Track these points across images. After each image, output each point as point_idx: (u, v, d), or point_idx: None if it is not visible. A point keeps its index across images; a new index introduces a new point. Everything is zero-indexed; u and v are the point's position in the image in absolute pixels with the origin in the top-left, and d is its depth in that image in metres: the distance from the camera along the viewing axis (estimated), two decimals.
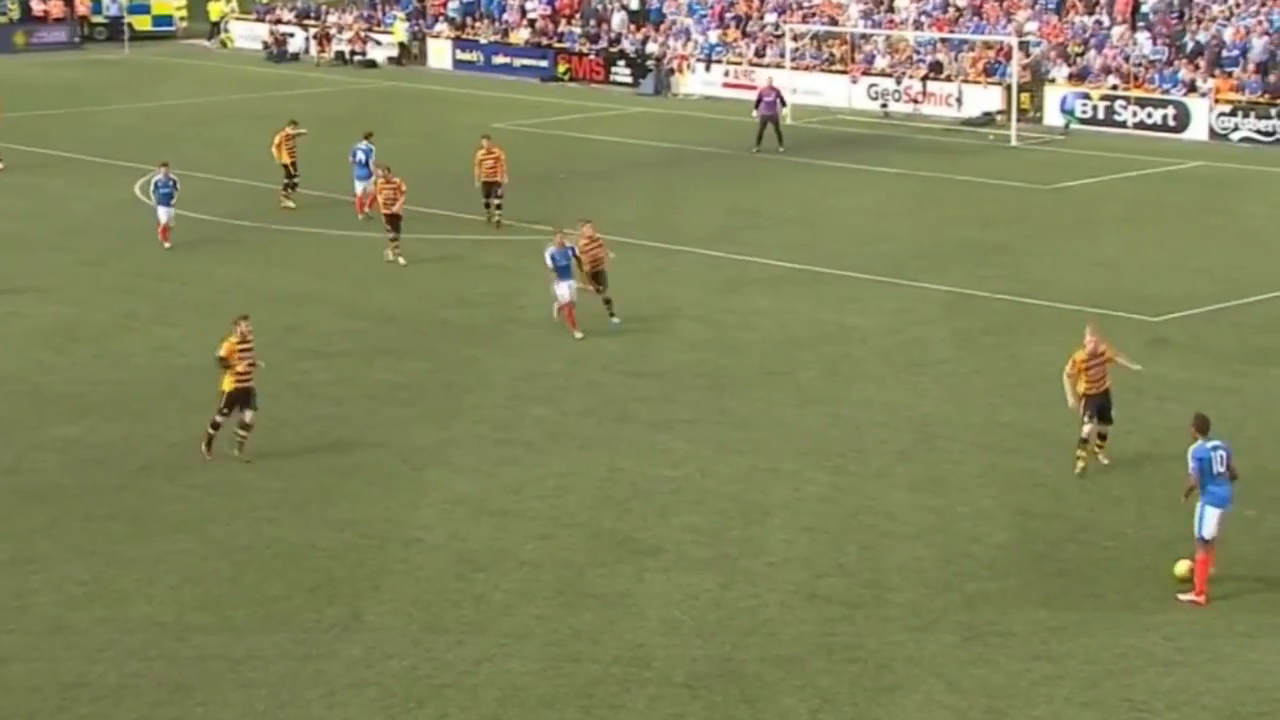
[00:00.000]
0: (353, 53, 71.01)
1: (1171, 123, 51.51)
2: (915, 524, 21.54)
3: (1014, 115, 51.77)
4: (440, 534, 21.46)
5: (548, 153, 49.87)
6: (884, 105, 56.74)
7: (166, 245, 36.74)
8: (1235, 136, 50.33)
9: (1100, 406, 22.92)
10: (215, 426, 23.82)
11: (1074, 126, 52.69)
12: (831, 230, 39.27)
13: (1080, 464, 22.89)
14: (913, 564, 20.33)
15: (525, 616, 19.10)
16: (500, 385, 27.69)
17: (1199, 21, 54.08)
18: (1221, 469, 19.42)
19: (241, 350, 23.60)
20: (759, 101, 50.20)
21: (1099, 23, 55.52)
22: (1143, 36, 54.03)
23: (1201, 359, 28.47)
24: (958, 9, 58.78)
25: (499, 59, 67.63)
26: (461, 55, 68.92)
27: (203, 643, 18.58)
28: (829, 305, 32.35)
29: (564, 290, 29.75)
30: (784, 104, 50.39)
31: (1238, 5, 54.05)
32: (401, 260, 35.16)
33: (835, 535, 21.21)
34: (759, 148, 48.85)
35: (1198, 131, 50.93)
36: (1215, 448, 19.48)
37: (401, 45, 70.30)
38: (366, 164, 39.56)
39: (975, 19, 58.06)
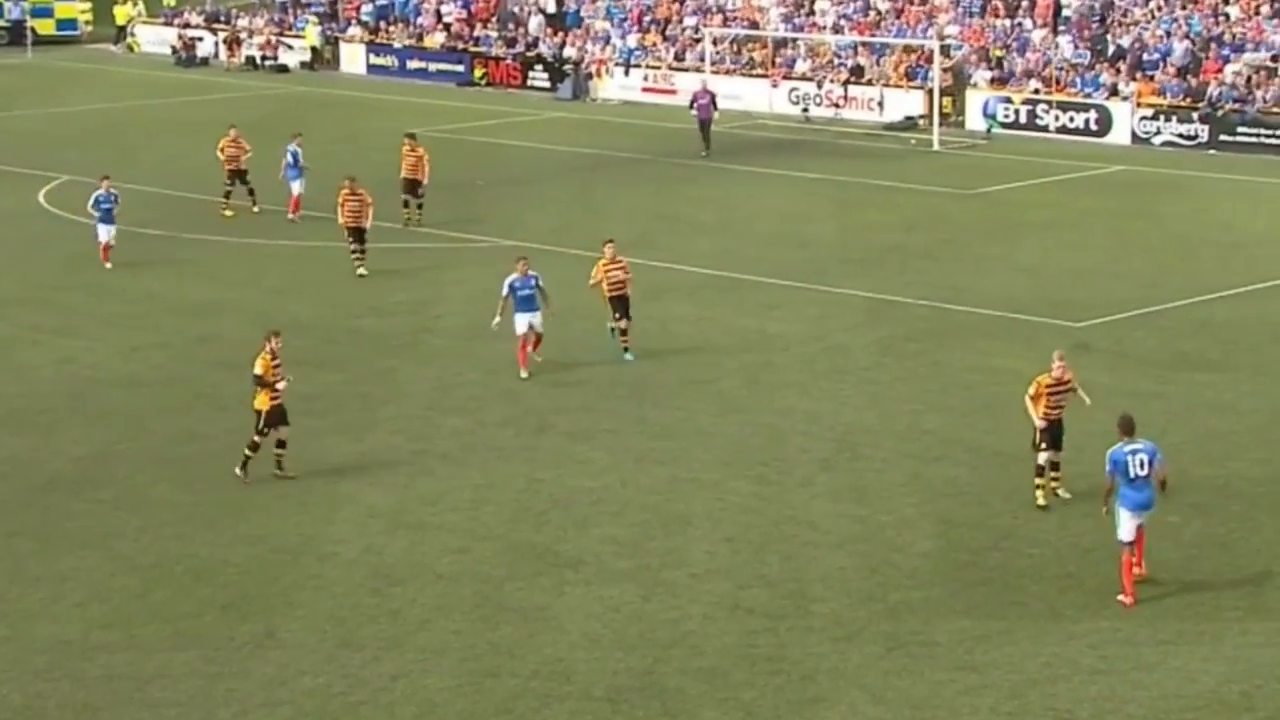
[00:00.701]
0: (264, 57, 70.59)
1: (1093, 127, 52.05)
2: (838, 533, 21.65)
3: (936, 120, 52.15)
4: (355, 548, 21.36)
5: (464, 159, 49.74)
6: (805, 109, 57.01)
7: (108, 266, 35.53)
8: (1157, 140, 50.92)
9: (1054, 435, 22.37)
10: (254, 448, 23.50)
11: (996, 131, 53.13)
12: (752, 236, 39.41)
13: (1040, 495, 22.20)
14: (836, 574, 20.42)
15: (442, 631, 19.05)
16: (416, 396, 27.60)
17: (1120, 25, 54.70)
18: (1140, 472, 19.53)
19: (274, 367, 23.39)
20: (693, 103, 50.42)
21: (1020, 26, 56.03)
22: (1064, 40, 54.58)
23: (1125, 364, 28.78)
24: (879, 12, 59.17)
25: (414, 63, 67.43)
26: (375, 60, 68.66)
27: (110, 662, 18.40)
28: (750, 312, 32.46)
29: (521, 324, 27.85)
30: (716, 107, 50.65)
31: (1159, 9, 54.71)
32: (362, 271, 34.77)
33: (757, 546, 21.28)
34: (708, 150, 49.11)
35: (1120, 136, 51.49)
36: (1134, 451, 19.60)
37: (314, 50, 69.94)
38: (296, 164, 40.05)
39: (896, 22, 58.47)
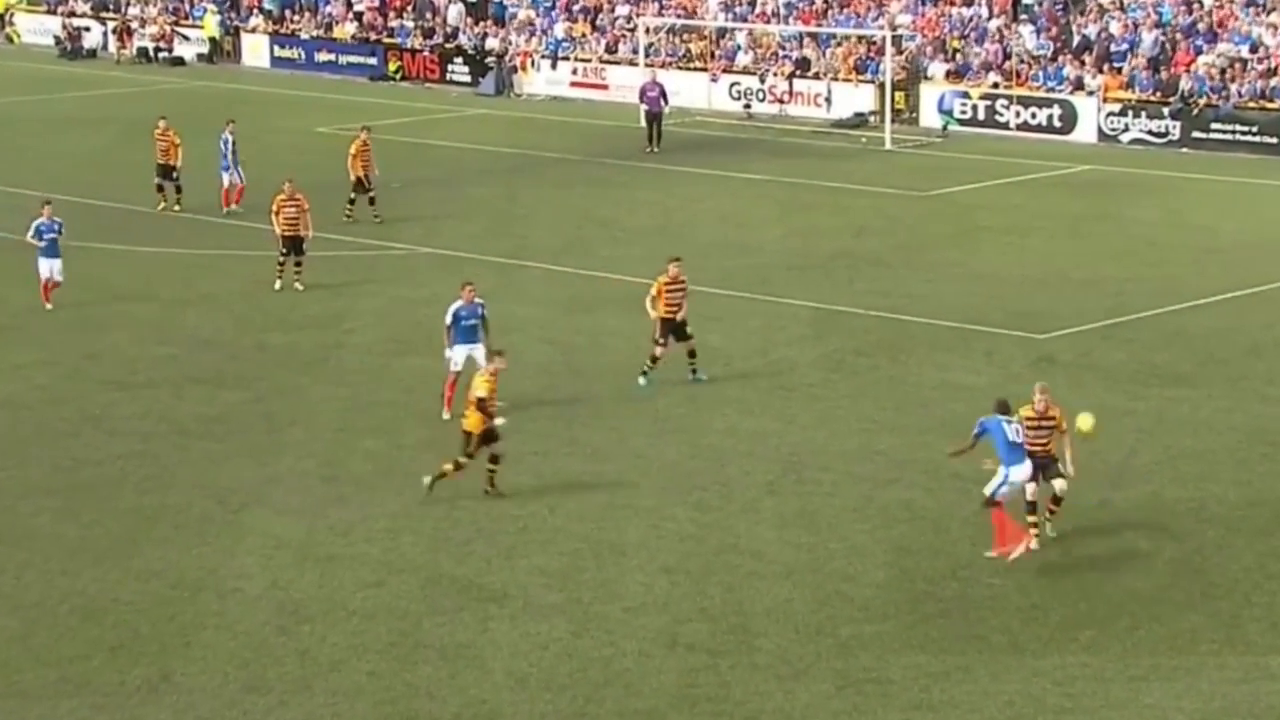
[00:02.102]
0: (157, 49, 70.28)
1: (1057, 123, 52.49)
2: (784, 563, 21.72)
3: (888, 116, 52.48)
4: (260, 583, 21.27)
5: (378, 160, 49.61)
6: (747, 106, 57.26)
7: (48, 306, 33.13)
8: (1125, 138, 51.40)
9: (1043, 467, 21.87)
10: (458, 467, 23.68)
11: (952, 128, 53.51)
12: (691, 242, 39.50)
13: (1034, 535, 21.57)
14: (782, 607, 20.48)
15: (356, 672, 18.99)
16: (327, 417, 27.52)
17: (1085, 13, 55.16)
18: (1017, 439, 21.42)
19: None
20: (642, 96, 50.62)
21: (978, 15, 56.43)
22: (1026, 30, 54.99)
23: (1091, 379, 29.02)
24: (826, 1, 59.45)
25: (322, 56, 67.33)
26: (280, 52, 68.51)
27: None
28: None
29: (459, 356, 26.71)
30: (667, 101, 50.85)
31: None
32: (299, 286, 34.55)
33: (697, 576, 21.32)
34: (652, 147, 49.34)
35: (1085, 133, 51.94)
36: (1009, 421, 21.52)
37: (212, 41, 69.74)
38: (228, 154, 40.89)
39: (844, 11, 58.77)
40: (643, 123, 50.67)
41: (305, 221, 34.64)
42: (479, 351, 26.77)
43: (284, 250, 34.59)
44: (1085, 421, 22.33)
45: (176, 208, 41.94)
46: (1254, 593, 20.73)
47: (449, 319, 26.97)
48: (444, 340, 27.06)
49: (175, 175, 41.98)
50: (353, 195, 40.79)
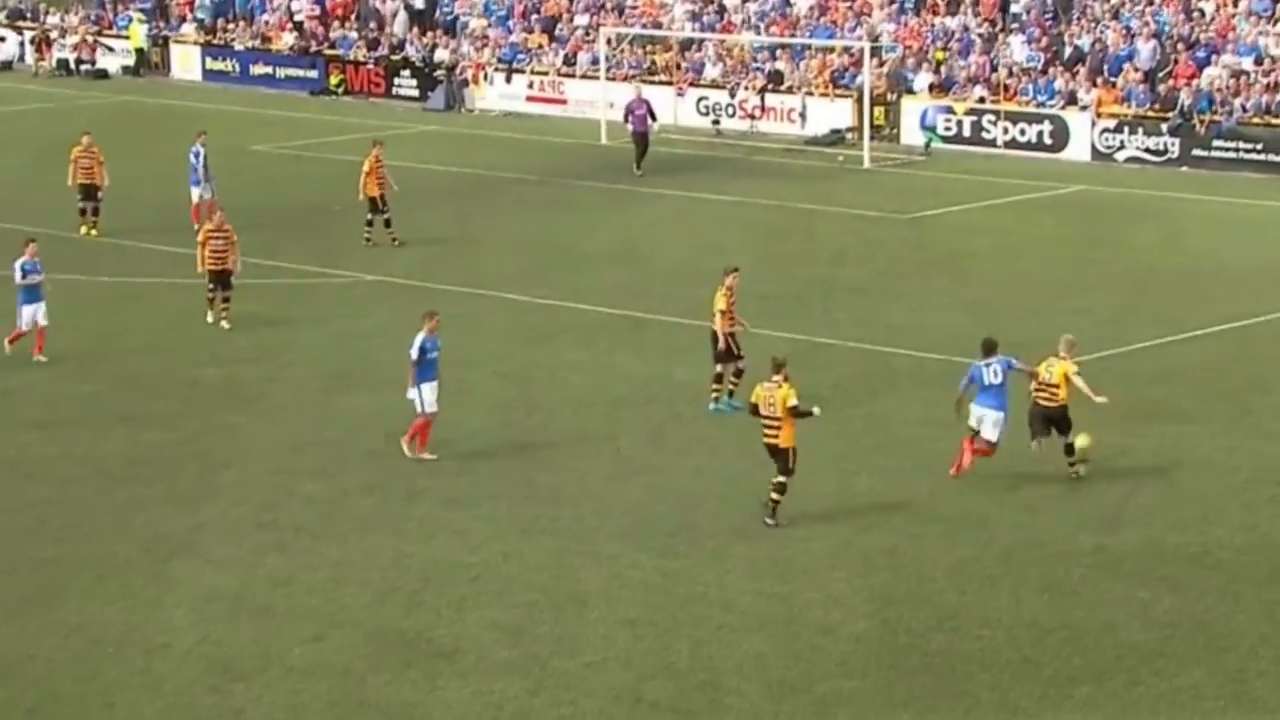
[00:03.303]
0: (79, 61, 70.16)
1: (1048, 141, 52.75)
2: (756, 614, 21.73)
3: (866, 133, 52.67)
4: (190, 637, 21.20)
5: (318, 180, 49.67)
6: (716, 122, 57.42)
7: (41, 359, 32.06)
8: (1121, 156, 51.68)
9: (1055, 421, 25.88)
10: (781, 490, 24.40)
11: (936, 145, 53.73)
12: (656, 269, 39.58)
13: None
14: (753, 662, 20.48)
15: None
16: (263, 458, 27.46)
17: (1078, 23, 55.49)
18: (995, 380, 25.48)
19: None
20: (627, 115, 50.72)
21: (964, 25, 56.72)
22: (1015, 40, 55.29)
23: (1086, 414, 29.09)
24: (801, 9, 59.68)
25: (258, 68, 67.30)
26: (213, 64, 68.48)
27: None
28: (654, 357, 32.58)
29: (429, 395, 26.74)
30: (654, 119, 51.02)
31: (1122, 4, 55.56)
32: (225, 325, 34.41)
33: (663, 629, 21.32)
34: (641, 169, 49.45)
35: (1078, 151, 52.20)
36: (988, 364, 25.51)
37: (139, 52, 69.64)
38: (199, 167, 41.51)
39: (821, 20, 59.01)
40: (632, 142, 50.57)
41: (234, 254, 34.49)
42: (435, 388, 26.82)
43: (211, 285, 34.40)
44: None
45: (94, 232, 41.81)
46: (1260, 645, 20.81)
47: (414, 354, 26.82)
48: (407, 378, 26.88)
49: (98, 196, 41.93)
50: (369, 216, 40.98)
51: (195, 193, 42.01)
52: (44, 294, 32.25)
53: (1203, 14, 54.17)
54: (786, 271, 39.09)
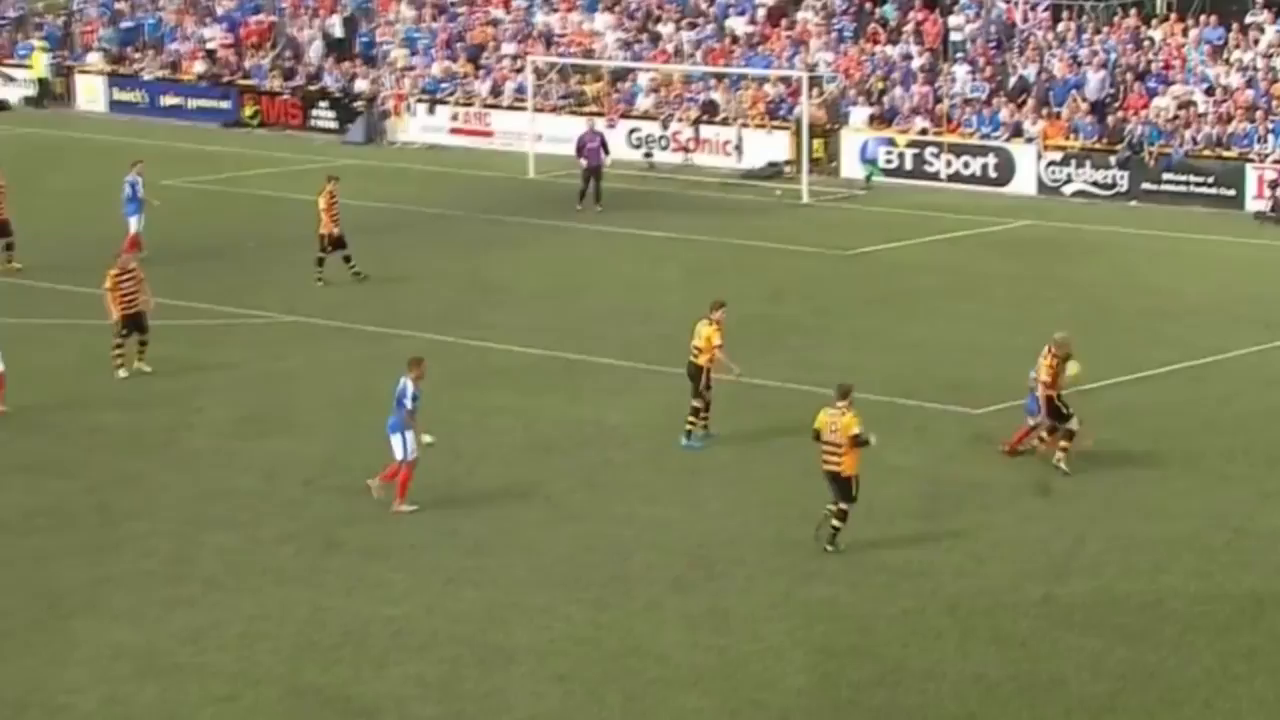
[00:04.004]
0: None
1: (993, 174, 53.06)
2: (693, 668, 21.70)
3: (805, 166, 52.86)
4: (93, 698, 21.03)
5: (231, 216, 49.52)
6: (648, 154, 57.54)
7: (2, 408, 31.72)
8: (1068, 190, 52.02)
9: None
10: (842, 517, 25.06)
11: (876, 179, 53.96)
12: (587, 308, 39.58)
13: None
14: (690, 717, 20.45)
15: None
16: (172, 508, 27.30)
17: (1023, 52, 55.91)
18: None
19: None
20: (581, 149, 50.71)
21: (906, 55, 57.05)
22: (959, 70, 55.64)
23: (1033, 459, 29.23)
24: (735, 38, 59.96)
25: (168, 99, 67.12)
26: (120, 94, 68.24)
27: None
28: (584, 400, 32.56)
29: (411, 442, 26.78)
30: (607, 152, 51.11)
31: (1068, 32, 56.01)
32: (147, 368, 34.05)
33: (594, 684, 21.28)
34: (581, 204, 49.51)
35: (1024, 184, 52.53)
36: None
37: (41, 82, 69.35)
38: (135, 197, 42.11)
39: (757, 50, 59.28)
40: (579, 179, 50.50)
41: (144, 294, 34.18)
42: (396, 446, 26.95)
43: (124, 331, 33.88)
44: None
45: (17, 266, 41.91)
46: (1216, 698, 20.91)
47: (408, 402, 26.85)
48: (411, 424, 26.79)
49: (10, 230, 42.11)
50: (320, 255, 40.77)
51: (133, 224, 42.57)
52: None
53: (1152, 42, 54.64)
54: None
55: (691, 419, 29.88)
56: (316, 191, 41.87)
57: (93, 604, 23.69)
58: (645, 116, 58.35)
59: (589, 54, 61.27)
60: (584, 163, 50.37)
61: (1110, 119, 52.23)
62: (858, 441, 25.09)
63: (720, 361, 29.84)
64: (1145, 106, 52.02)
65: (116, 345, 33.99)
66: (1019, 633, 22.55)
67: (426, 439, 26.76)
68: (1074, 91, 53.24)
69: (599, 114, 57.65)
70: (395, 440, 26.94)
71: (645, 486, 28.02)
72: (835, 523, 25.10)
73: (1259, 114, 50.34)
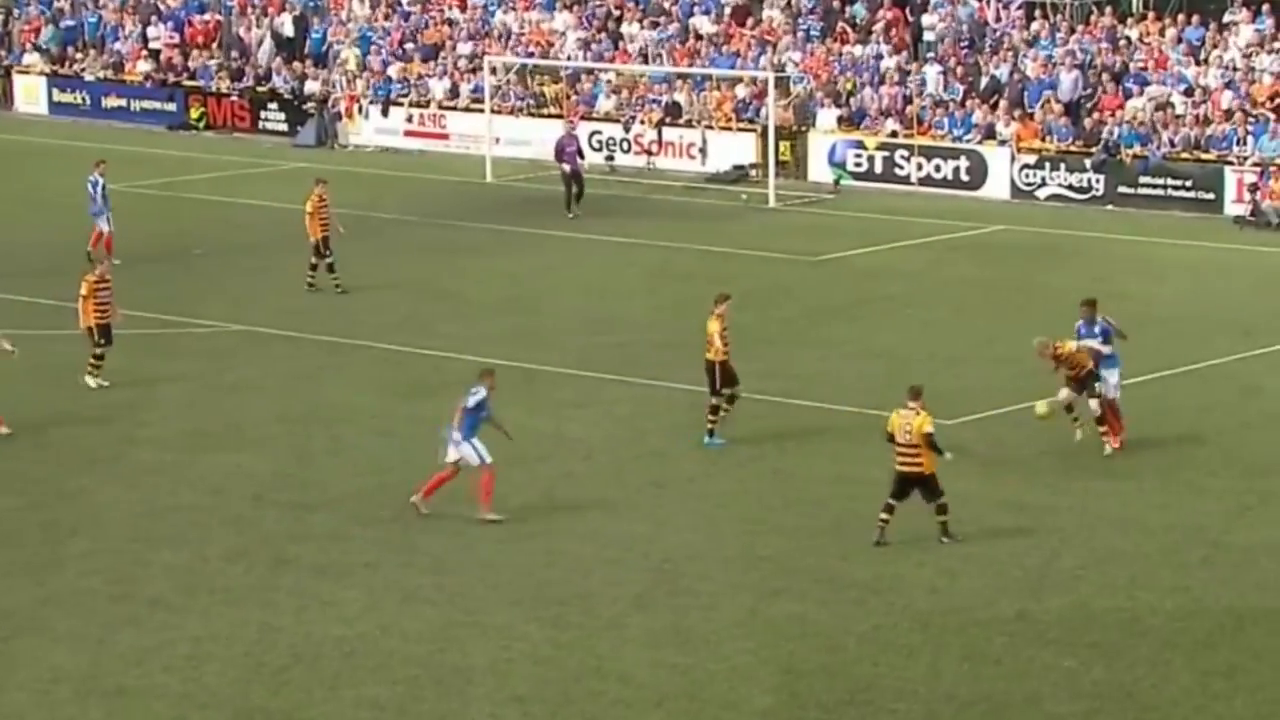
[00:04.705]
0: None
1: (965, 177, 53.21)
2: (655, 688, 21.72)
3: (771, 169, 52.96)
4: None
5: (177, 221, 49.44)
6: (610, 158, 57.59)
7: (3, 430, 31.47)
8: (1042, 194, 52.18)
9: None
10: (889, 510, 25.75)
11: (845, 183, 54.07)
12: (547, 316, 39.60)
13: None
14: None
15: None
16: (116, 524, 27.25)
17: (995, 52, 56.07)
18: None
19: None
20: (559, 154, 50.76)
21: (876, 55, 57.17)
22: (930, 71, 55.77)
23: (1005, 470, 29.32)
24: (700, 37, 60.02)
25: (111, 101, 66.96)
26: (60, 96, 68.06)
27: None
28: (544, 411, 32.57)
29: (483, 448, 27.07)
30: (582, 156, 51.42)
31: (1042, 31, 56.18)
32: (105, 383, 33.90)
33: (554, 705, 21.28)
34: (572, 212, 49.52)
35: (997, 188, 52.68)
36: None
37: None
38: (99, 198, 42.74)
39: (722, 49, 59.35)
40: (561, 184, 50.55)
41: (114, 305, 34.27)
42: (470, 454, 27.15)
43: (100, 340, 33.90)
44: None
45: None
46: (1194, 716, 20.98)
47: (481, 411, 27.23)
48: (454, 423, 27.04)
49: None
50: (314, 260, 40.91)
51: (100, 224, 43.12)
52: None
53: (1129, 42, 54.83)
54: (687, 319, 39.04)
55: (712, 418, 30.46)
56: (304, 196, 41.85)
57: (34, 625, 23.62)
58: (607, 118, 58.37)
59: (547, 54, 61.27)
60: (566, 167, 50.44)
61: (1086, 121, 52.39)
62: (931, 442, 25.66)
63: (718, 350, 30.31)
64: (1120, 108, 52.21)
65: (96, 355, 33.83)
66: (993, 650, 22.60)
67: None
68: (1048, 93, 53.42)
69: (558, 115, 57.65)
70: (468, 449, 27.08)
71: (607, 501, 28.04)
72: (941, 518, 25.86)
73: (1238, 116, 50.54)
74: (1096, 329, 30.41)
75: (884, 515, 25.94)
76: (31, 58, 69.54)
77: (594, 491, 28.51)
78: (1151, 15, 55.86)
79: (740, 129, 56.22)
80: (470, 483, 27.14)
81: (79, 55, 68.50)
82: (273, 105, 63.72)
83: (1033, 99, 53.64)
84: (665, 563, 25.54)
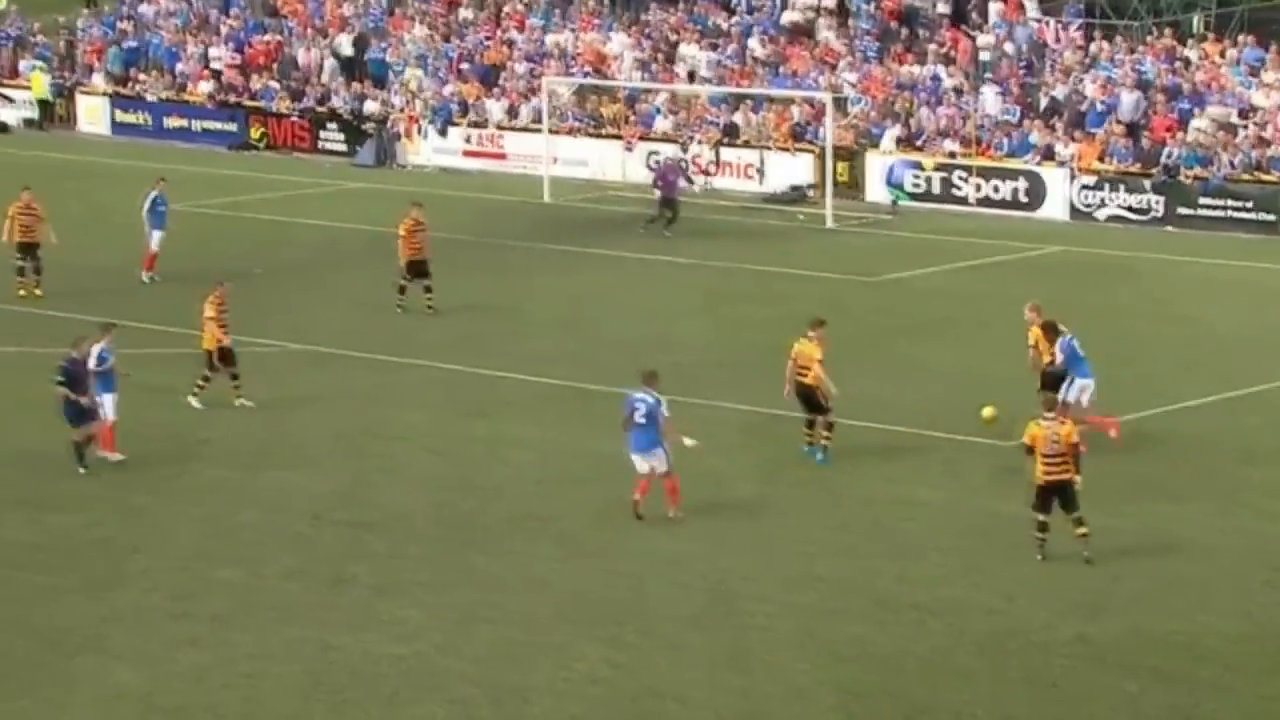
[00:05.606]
0: None
1: (1023, 198, 53.04)
2: (713, 709, 21.66)
3: (829, 189, 52.87)
4: None
5: (238, 241, 49.59)
6: None
7: (118, 457, 30.95)
8: (1101, 214, 51.97)
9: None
10: (1041, 528, 25.84)
11: (903, 203, 53.96)
12: (604, 337, 39.59)
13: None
14: None
15: None
16: (177, 542, 27.32)
17: (1055, 72, 55.88)
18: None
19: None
20: (659, 179, 50.97)
21: (934, 76, 57.06)
22: (988, 91, 55.63)
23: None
24: (758, 58, 59.99)
25: (173, 121, 67.23)
26: (123, 116, 68.37)
27: None
28: (601, 432, 32.47)
29: (643, 467, 27.83)
30: (690, 181, 52.46)
31: (1101, 52, 55.99)
32: (250, 403, 33.99)
33: None
34: (669, 230, 49.81)
35: (1055, 209, 52.50)
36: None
37: (43, 104, 69.49)
38: (157, 211, 43.53)
39: (780, 70, 59.29)
40: (655, 207, 50.65)
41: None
42: (657, 459, 27.70)
43: (218, 364, 33.87)
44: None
45: (38, 292, 42.45)
46: None
47: (668, 412, 27.76)
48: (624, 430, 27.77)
49: (38, 255, 42.70)
50: (403, 282, 40.94)
51: (154, 240, 43.85)
52: (117, 384, 31.10)
53: (1188, 64, 54.59)
54: (742, 339, 39.14)
55: (815, 433, 30.62)
56: (398, 219, 41.94)
57: (95, 643, 23.69)
58: (664, 139, 58.35)
59: (605, 74, 61.30)
60: (658, 194, 50.62)
61: (1145, 142, 52.17)
62: (1077, 451, 25.89)
63: (822, 380, 30.43)
64: (1179, 128, 51.97)
65: (205, 377, 33.86)
66: (1051, 673, 22.49)
67: (689, 442, 27.90)
68: (1108, 113, 53.18)
69: (615, 136, 57.71)
70: (659, 453, 27.62)
71: (663, 521, 27.99)
72: (1082, 531, 25.81)
73: None
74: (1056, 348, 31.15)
75: (1040, 535, 25.91)
76: (95, 79, 69.87)
77: (650, 512, 28.45)
78: (1211, 36, 55.61)
79: (798, 150, 56.13)
80: (654, 488, 27.81)
81: (141, 76, 68.82)
82: (332, 125, 63.91)
83: (1092, 120, 53.43)
84: (722, 583, 25.49)
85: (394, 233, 42.11)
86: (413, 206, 42.18)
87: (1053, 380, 30.56)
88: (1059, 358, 30.93)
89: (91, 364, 30.78)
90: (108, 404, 30.82)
